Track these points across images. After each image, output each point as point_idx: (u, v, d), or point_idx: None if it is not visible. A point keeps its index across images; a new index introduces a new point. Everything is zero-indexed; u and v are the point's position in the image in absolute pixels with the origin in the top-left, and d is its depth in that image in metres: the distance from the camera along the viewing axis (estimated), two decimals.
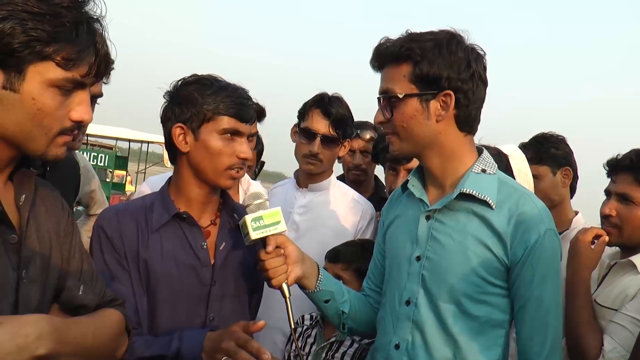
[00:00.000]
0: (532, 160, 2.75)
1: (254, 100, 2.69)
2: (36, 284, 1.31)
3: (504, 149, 2.43)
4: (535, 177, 2.74)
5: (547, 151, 2.78)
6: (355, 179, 3.33)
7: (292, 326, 1.76)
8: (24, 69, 1.20)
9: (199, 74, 1.87)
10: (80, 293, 1.37)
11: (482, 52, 1.71)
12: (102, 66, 1.33)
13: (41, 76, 1.21)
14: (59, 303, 1.36)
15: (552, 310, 1.67)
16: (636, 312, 1.94)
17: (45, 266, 1.35)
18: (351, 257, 2.37)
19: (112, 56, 1.47)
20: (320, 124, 2.64)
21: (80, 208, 3.49)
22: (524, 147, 2.82)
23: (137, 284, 1.78)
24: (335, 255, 2.44)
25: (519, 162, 2.45)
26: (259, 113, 2.82)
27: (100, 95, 1.95)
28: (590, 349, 1.98)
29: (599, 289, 2.17)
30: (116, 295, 1.55)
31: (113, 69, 1.94)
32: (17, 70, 1.19)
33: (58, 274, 1.39)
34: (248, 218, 1.73)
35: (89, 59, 1.27)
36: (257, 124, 2.84)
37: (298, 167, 2.84)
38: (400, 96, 1.67)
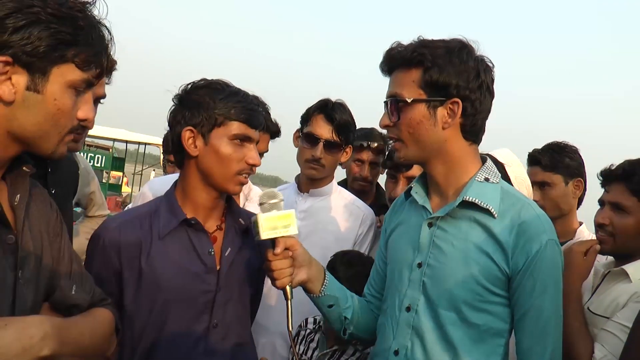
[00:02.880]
0: (546, 168, 2.79)
1: (272, 120, 2.70)
2: (31, 284, 1.32)
3: (498, 155, 2.41)
4: (547, 184, 2.78)
5: (562, 160, 2.80)
6: (361, 189, 3.29)
7: (290, 329, 1.75)
8: (48, 71, 1.23)
9: (208, 78, 1.86)
10: (73, 293, 1.39)
11: (490, 64, 1.72)
12: (109, 67, 1.37)
13: (62, 77, 1.25)
14: (51, 302, 1.37)
15: (552, 320, 1.67)
16: (627, 320, 1.94)
17: (38, 266, 1.35)
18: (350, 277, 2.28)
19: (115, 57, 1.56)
20: (324, 129, 2.64)
21: (78, 209, 3.47)
22: (538, 153, 2.84)
23: (134, 293, 1.77)
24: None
25: (516, 169, 2.45)
26: (274, 133, 2.83)
27: (104, 96, 1.95)
28: (581, 357, 1.99)
29: (593, 297, 2.18)
30: (105, 295, 1.56)
31: (115, 69, 1.93)
32: (42, 72, 1.22)
33: (49, 274, 1.40)
34: (260, 217, 1.71)
35: (102, 60, 1.32)
36: (270, 141, 2.85)
37: (299, 172, 2.84)
38: (409, 101, 1.68)
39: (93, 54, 1.29)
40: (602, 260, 2.26)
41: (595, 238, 2.25)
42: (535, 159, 2.83)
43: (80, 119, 1.34)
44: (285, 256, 1.74)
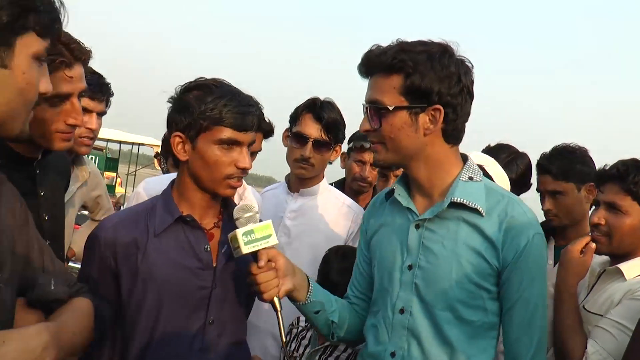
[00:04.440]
0: (557, 177, 2.69)
1: (266, 119, 2.69)
2: (9, 285, 1.27)
3: (472, 158, 2.42)
4: (559, 193, 2.69)
5: (573, 167, 2.69)
6: (359, 189, 3.31)
7: (284, 339, 1.75)
8: (13, 42, 1.16)
9: (204, 77, 1.83)
10: (53, 288, 1.35)
11: (470, 65, 1.71)
12: (85, 59, 1.41)
13: (27, 49, 1.19)
14: (31, 299, 1.34)
15: (538, 311, 1.70)
16: (619, 317, 1.98)
17: (14, 265, 1.31)
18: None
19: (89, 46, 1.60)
20: (312, 129, 2.64)
21: (86, 212, 3.49)
22: (547, 161, 2.73)
23: (130, 292, 1.78)
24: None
25: (494, 168, 2.45)
26: (267, 132, 2.83)
27: (84, 90, 1.91)
28: (574, 352, 2.03)
29: (589, 296, 2.21)
30: (79, 283, 1.53)
31: (92, 57, 1.88)
32: (7, 45, 1.15)
33: (21, 267, 1.35)
34: (239, 232, 1.69)
35: (59, 26, 1.27)
36: (264, 141, 2.85)
37: (289, 172, 2.84)
38: (390, 108, 1.67)
39: (50, 19, 1.23)
40: (598, 259, 2.28)
41: (587, 237, 2.28)
42: (545, 168, 2.73)
43: (42, 92, 1.28)
44: (269, 268, 1.71)
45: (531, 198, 2.97)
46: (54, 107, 1.73)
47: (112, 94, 2.75)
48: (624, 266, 2.10)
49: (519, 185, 2.92)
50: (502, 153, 2.97)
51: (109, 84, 2.70)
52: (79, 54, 1.76)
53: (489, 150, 3.01)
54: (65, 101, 1.76)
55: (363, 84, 1.77)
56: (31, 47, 1.19)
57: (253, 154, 2.75)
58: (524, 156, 3.04)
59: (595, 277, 2.22)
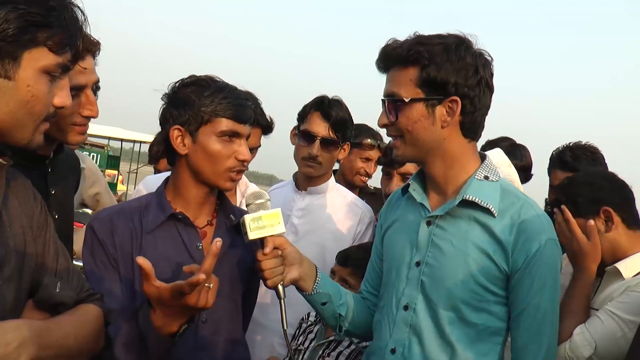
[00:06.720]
0: None
1: (265, 115, 2.68)
2: (11, 283, 1.27)
3: (490, 155, 2.43)
4: None
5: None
6: (362, 185, 3.36)
7: (285, 327, 1.76)
8: (19, 55, 1.17)
9: (197, 75, 1.84)
10: (58, 290, 1.34)
11: (489, 58, 1.70)
12: (93, 50, 1.40)
13: (35, 62, 1.20)
14: (36, 301, 1.32)
15: (548, 319, 1.67)
16: (615, 308, 1.98)
17: (20, 264, 1.30)
18: (361, 264, 2.33)
19: (96, 38, 1.60)
20: (320, 127, 2.63)
21: (89, 211, 3.47)
22: (574, 159, 2.71)
23: (128, 284, 1.77)
24: (345, 259, 2.44)
25: (506, 169, 2.45)
26: (266, 127, 2.82)
27: (98, 81, 1.89)
28: (564, 332, 2.00)
29: (594, 297, 2.20)
30: (94, 290, 1.52)
31: (100, 50, 1.88)
32: (12, 57, 1.17)
33: (33, 270, 1.34)
34: (247, 218, 1.72)
35: (76, 43, 1.27)
36: (263, 137, 2.85)
37: (295, 170, 2.83)
38: (406, 100, 1.66)
39: (67, 36, 1.23)
40: None
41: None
42: (573, 167, 2.70)
43: (57, 106, 1.28)
44: (274, 255, 1.73)
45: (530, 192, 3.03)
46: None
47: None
48: (621, 265, 2.10)
49: (524, 172, 3.01)
50: (503, 142, 3.10)
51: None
52: (89, 45, 1.76)
53: (490, 143, 3.12)
54: (80, 93, 1.76)
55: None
56: (40, 62, 1.20)
57: (253, 150, 2.74)
58: (524, 147, 3.16)
59: (599, 279, 2.21)
